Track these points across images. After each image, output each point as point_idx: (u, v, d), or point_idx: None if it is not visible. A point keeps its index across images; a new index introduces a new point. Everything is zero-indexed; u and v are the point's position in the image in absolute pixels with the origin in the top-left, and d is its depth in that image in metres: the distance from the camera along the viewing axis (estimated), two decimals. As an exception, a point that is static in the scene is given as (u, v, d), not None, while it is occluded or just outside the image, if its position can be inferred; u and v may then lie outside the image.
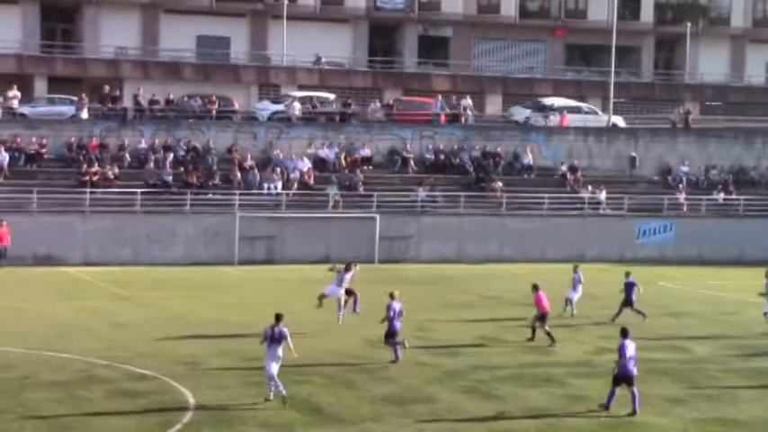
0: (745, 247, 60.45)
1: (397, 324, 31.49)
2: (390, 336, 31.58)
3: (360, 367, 30.78)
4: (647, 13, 79.90)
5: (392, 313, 31.45)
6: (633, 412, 26.43)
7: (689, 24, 78.28)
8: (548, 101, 68.34)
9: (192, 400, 26.39)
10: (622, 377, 26.55)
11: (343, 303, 36.60)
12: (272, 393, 26.18)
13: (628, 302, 39.00)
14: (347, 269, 36.84)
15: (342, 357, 31.94)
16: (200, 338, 34.25)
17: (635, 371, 26.69)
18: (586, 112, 68.66)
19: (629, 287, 39.10)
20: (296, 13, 72.19)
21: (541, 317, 34.99)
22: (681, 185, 63.81)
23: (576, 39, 79.67)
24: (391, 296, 31.99)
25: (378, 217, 55.84)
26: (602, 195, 61.13)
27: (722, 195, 63.39)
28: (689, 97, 76.86)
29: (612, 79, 69.55)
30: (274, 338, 26.12)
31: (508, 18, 77.46)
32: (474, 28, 77.42)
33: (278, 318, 26.41)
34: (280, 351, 26.17)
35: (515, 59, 79.48)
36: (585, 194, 61.28)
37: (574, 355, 33.31)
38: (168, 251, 53.23)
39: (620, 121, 68.92)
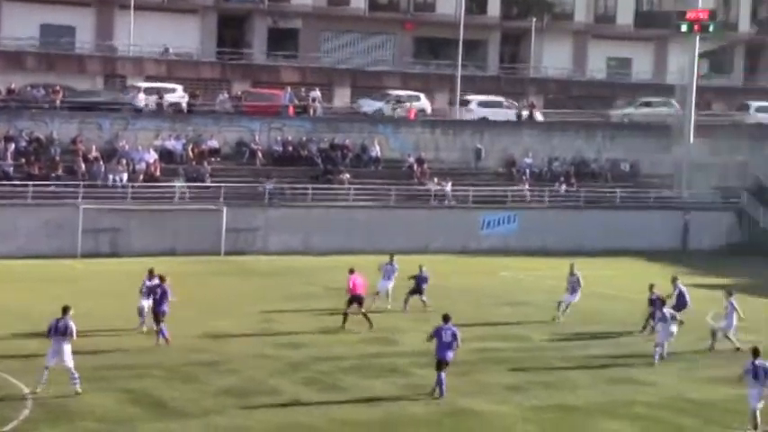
0: (584, 238, 61.93)
1: None
2: None
3: (201, 360, 30.65)
4: (494, 7, 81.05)
5: None
6: (441, 394, 27.14)
7: (534, 19, 79.71)
8: (470, 97, 69.68)
9: (29, 396, 25.96)
10: (440, 362, 27.33)
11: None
12: (39, 386, 25.98)
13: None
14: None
15: (183, 351, 31.75)
16: (38, 333, 33.61)
17: (450, 356, 27.40)
18: (505, 107, 70.66)
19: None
20: (143, 3, 71.19)
21: (352, 300, 35.53)
22: (524, 177, 65.03)
23: (424, 32, 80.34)
24: None
25: (225, 209, 55.52)
26: (448, 187, 61.94)
27: (564, 187, 64.81)
28: (533, 91, 78.28)
29: (459, 72, 70.49)
30: (59, 331, 26.01)
31: (357, 11, 77.72)
32: (323, 20, 77.45)
33: (65, 310, 26.33)
34: (65, 344, 26.02)
35: (364, 52, 79.77)
36: (432, 186, 61.99)
37: (417, 345, 33.67)
38: (8, 244, 52.01)
39: (538, 115, 71.00)
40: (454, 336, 27.64)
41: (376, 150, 63.85)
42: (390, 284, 40.10)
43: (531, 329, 37.32)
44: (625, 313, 40.86)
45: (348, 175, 60.80)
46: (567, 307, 39.11)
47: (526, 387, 28.95)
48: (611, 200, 64.73)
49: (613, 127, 71.45)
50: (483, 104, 70.28)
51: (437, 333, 27.69)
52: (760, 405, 25.13)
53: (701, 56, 73.63)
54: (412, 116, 67.58)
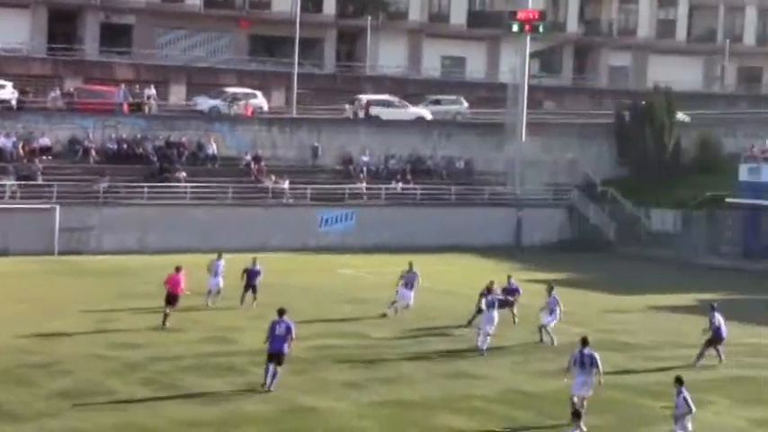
0: (421, 235, 62.73)
1: None
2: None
3: (34, 362, 30.04)
4: (330, 6, 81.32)
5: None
6: (268, 387, 27.56)
7: (369, 18, 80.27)
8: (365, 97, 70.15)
9: None
10: (273, 354, 27.81)
11: None
12: None
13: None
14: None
15: (15, 352, 31.06)
16: None
17: (285, 349, 27.78)
18: (397, 106, 71.28)
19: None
20: (-31, -3, 69.34)
21: (171, 299, 35.52)
22: (362, 175, 65.49)
23: (260, 30, 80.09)
24: None
25: (57, 208, 54.44)
26: (286, 185, 61.97)
27: (400, 185, 65.49)
28: (370, 89, 78.75)
29: (296, 70, 70.55)
30: None
31: (192, 7, 77.03)
32: (157, 16, 76.51)
33: None
34: None
35: (200, 49, 79.13)
36: (269, 184, 61.93)
37: (254, 344, 33.60)
38: None
39: (427, 114, 71.98)
40: (288, 329, 27.93)
41: (212, 148, 63.45)
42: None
43: (370, 326, 37.63)
44: (461, 309, 41.50)
45: (184, 174, 60.29)
46: (405, 305, 39.54)
47: (364, 383, 29.20)
48: (447, 197, 65.69)
49: (449, 125, 72.46)
50: (375, 103, 71.09)
51: (271, 327, 28.09)
52: (584, 393, 25.94)
53: (531, 55, 75.27)
54: (249, 114, 67.35)
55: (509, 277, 39.98)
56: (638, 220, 67.33)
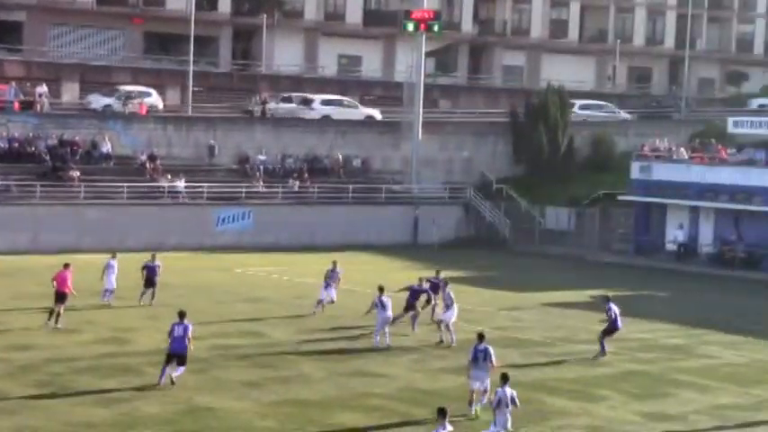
0: (316, 233, 62.78)
1: None
2: None
3: None
4: (225, 4, 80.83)
5: None
6: (160, 382, 27.98)
7: (264, 16, 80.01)
8: None
9: None
10: (173, 354, 28.04)
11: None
12: None
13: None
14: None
15: None
16: None
17: (183, 350, 28.01)
18: (347, 105, 72.13)
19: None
20: None
21: (59, 296, 35.22)
22: (258, 174, 65.25)
23: (154, 27, 79.30)
24: None
25: (-53, 208, 53.40)
26: (181, 184, 61.49)
27: (297, 183, 65.42)
28: (266, 87, 78.52)
29: (191, 68, 70.03)
30: None
31: (85, 4, 75.94)
32: (49, 13, 75.27)
33: None
34: None
35: (93, 46, 78.08)
36: (165, 183, 61.39)
37: (151, 344, 33.38)
38: None
39: (376, 113, 72.77)
40: (185, 330, 28.02)
41: (107, 147, 62.72)
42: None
43: (268, 325, 37.56)
44: (360, 307, 41.66)
45: (78, 173, 59.49)
46: (330, 301, 40.08)
47: (263, 383, 29.14)
48: (344, 196, 65.78)
49: (345, 123, 72.54)
50: (326, 103, 71.88)
51: (171, 329, 28.25)
52: (479, 385, 26.51)
53: (427, 55, 75.75)
54: (143, 112, 66.67)
55: (437, 272, 40.31)
56: (533, 218, 68.17)
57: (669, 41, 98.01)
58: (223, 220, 61.97)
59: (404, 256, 58.92)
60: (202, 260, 55.51)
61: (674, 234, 62.74)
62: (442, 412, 20.81)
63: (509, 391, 23.54)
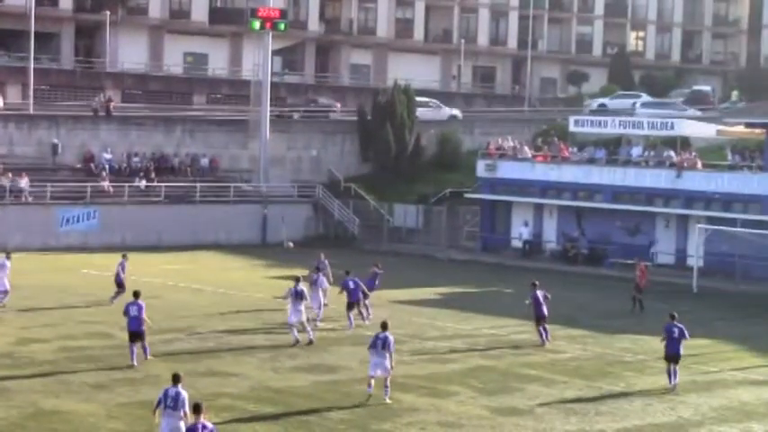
0: (163, 232, 62.10)
1: None
2: None
3: None
4: (67, -1, 79.53)
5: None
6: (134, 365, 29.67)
7: (108, 13, 78.77)
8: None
9: None
10: (132, 333, 30.77)
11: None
12: None
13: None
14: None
15: None
16: None
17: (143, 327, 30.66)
18: (432, 106, 76.74)
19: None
20: None
21: None
22: (104, 173, 64.20)
23: (-6, 23, 77.55)
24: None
25: None
26: (24, 183, 60.11)
27: (144, 182, 64.59)
28: (110, 85, 77.41)
29: (32, 65, 68.51)
30: None
31: None
32: None
33: None
34: None
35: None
36: (6, 182, 59.93)
37: (-5, 347, 32.70)
38: None
39: (458, 113, 76.84)
40: (140, 309, 30.92)
41: (-55, 146, 60.98)
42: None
43: (116, 327, 36.93)
44: (209, 306, 41.45)
45: None
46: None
47: (111, 384, 28.71)
48: (192, 195, 65.20)
49: (192, 122, 71.94)
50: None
51: (126, 309, 31.13)
52: (380, 372, 27.50)
53: (274, 53, 75.64)
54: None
55: (376, 264, 41.21)
56: (382, 216, 68.64)
57: (512, 42, 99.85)
58: (68, 220, 60.80)
59: (252, 255, 58.69)
60: (47, 261, 54.37)
61: (520, 231, 63.96)
62: (197, 408, 20.18)
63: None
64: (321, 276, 39.42)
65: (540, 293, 36.38)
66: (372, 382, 27.68)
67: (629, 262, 51.78)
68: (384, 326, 28.16)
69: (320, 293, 38.86)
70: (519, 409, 27.99)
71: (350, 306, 38.64)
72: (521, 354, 35.18)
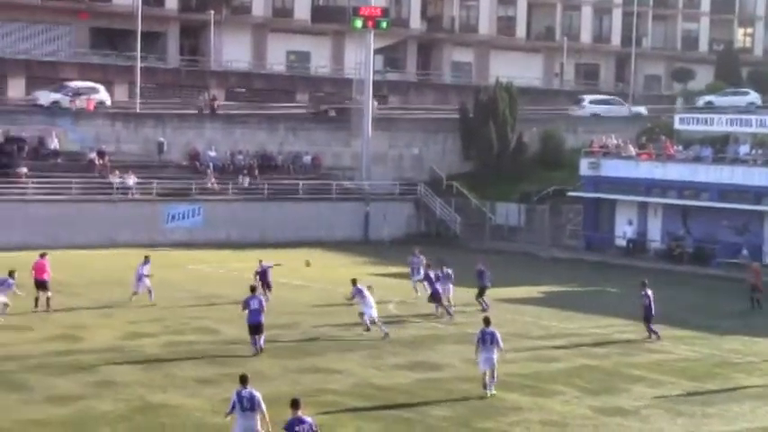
0: (266, 229, 62.59)
1: None
2: None
3: None
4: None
5: None
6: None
7: (212, 12, 79.65)
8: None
9: None
10: (252, 325, 32.26)
11: None
12: None
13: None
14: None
15: None
16: None
17: (263, 319, 32.27)
18: (614, 103, 78.86)
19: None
20: None
21: (38, 284, 37.26)
22: (208, 170, 64.94)
23: (101, 22, 78.77)
24: None
25: None
26: (131, 180, 61.06)
27: (248, 180, 65.18)
28: (214, 84, 78.28)
29: (139, 64, 69.57)
30: None
31: (31, -1, 75.31)
32: (-6, 8, 74.54)
33: None
34: None
35: (39, 42, 77.36)
36: (114, 179, 60.93)
37: (104, 342, 33.19)
38: None
39: (642, 110, 79.65)
40: (261, 303, 32.53)
41: (54, 143, 62.19)
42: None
43: (222, 322, 37.37)
44: (311, 303, 41.67)
45: (26, 169, 58.91)
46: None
47: (217, 379, 28.99)
48: (294, 192, 65.61)
49: (295, 120, 72.41)
50: (595, 102, 78.59)
51: (246, 302, 32.42)
52: (488, 366, 27.94)
53: (376, 51, 75.75)
54: (91, 108, 66.16)
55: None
56: (484, 215, 68.35)
57: (616, 39, 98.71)
58: (173, 216, 61.61)
59: (355, 252, 58.87)
60: (154, 257, 54.94)
61: (624, 230, 63.18)
62: (295, 404, 20.30)
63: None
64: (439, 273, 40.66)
65: (649, 292, 36.80)
66: (487, 379, 28.06)
67: (736, 262, 50.91)
68: (487, 321, 28.51)
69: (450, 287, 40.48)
70: (624, 409, 27.64)
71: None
72: (626, 353, 34.73)
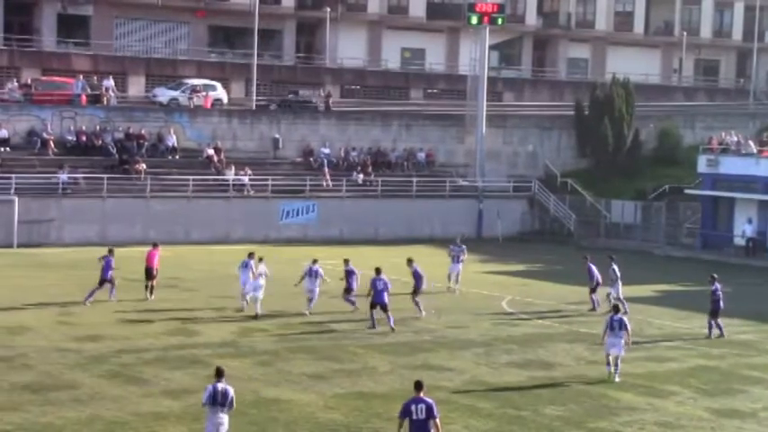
0: (380, 226, 62.75)
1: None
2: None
3: (-4, 355, 29.82)
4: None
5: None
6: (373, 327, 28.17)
7: (328, 10, 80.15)
8: None
9: None
10: (376, 303, 35.36)
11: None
12: None
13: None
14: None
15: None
16: None
17: (386, 298, 34.54)
18: None
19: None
20: None
21: (148, 272, 39.20)
22: (323, 167, 65.36)
23: (218, 20, 79.80)
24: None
25: (16, 200, 54.04)
26: (247, 177, 61.76)
27: (361, 176, 65.45)
28: (329, 80, 78.71)
29: (255, 62, 70.32)
30: None
31: (150, -2, 76.59)
32: (115, 7, 75.96)
33: None
34: None
35: (158, 40, 78.66)
36: (230, 176, 61.70)
37: (218, 336, 33.62)
38: None
39: None
40: (386, 284, 35.27)
41: (172, 140, 63.20)
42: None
43: (335, 318, 37.57)
44: (423, 299, 41.64)
45: (144, 166, 60.00)
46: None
47: (329, 375, 29.15)
48: (408, 189, 65.71)
49: (409, 117, 72.52)
50: None
51: (373, 283, 35.45)
52: (615, 351, 29.53)
53: (491, 48, 75.46)
54: (208, 105, 67.07)
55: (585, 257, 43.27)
56: (599, 212, 67.65)
57: (737, 34, 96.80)
58: (288, 213, 62.16)
59: (468, 249, 58.63)
60: (269, 252, 55.45)
61: (743, 228, 61.97)
62: (418, 385, 20.16)
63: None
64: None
65: (719, 287, 37.03)
66: (610, 359, 29.49)
67: None
68: (616, 308, 30.58)
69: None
70: (741, 411, 27.10)
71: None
72: (743, 354, 34.08)
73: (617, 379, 29.30)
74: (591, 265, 41.01)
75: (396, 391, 27.68)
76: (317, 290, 38.17)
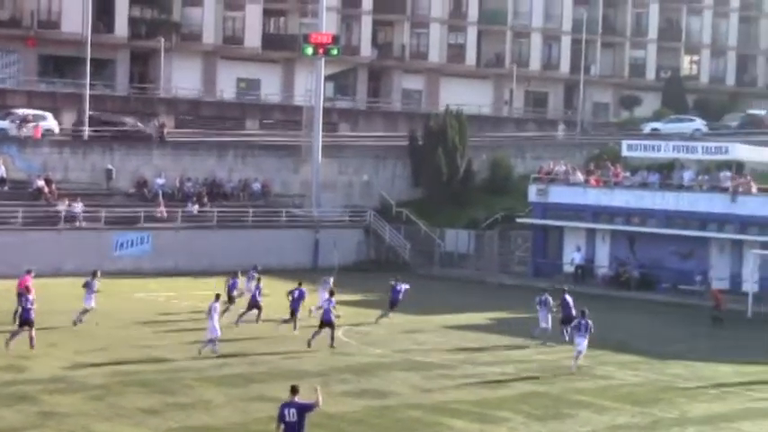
0: (218, 257, 62.29)
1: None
2: None
3: None
4: (122, 26, 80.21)
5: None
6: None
7: (162, 39, 79.55)
8: None
9: None
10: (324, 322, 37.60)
11: None
12: None
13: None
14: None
15: None
16: None
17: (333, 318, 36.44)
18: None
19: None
20: None
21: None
22: (157, 198, 64.62)
23: (50, 50, 78.47)
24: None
25: None
26: (79, 208, 60.64)
27: (197, 207, 64.93)
28: (164, 111, 78.01)
29: (88, 91, 69.23)
30: None
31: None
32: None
33: None
34: None
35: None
36: (62, 207, 60.49)
37: (49, 372, 32.89)
38: None
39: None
40: (329, 302, 37.79)
41: (1, 171, 61.68)
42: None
43: (169, 350, 37.18)
44: (260, 331, 41.55)
45: (-30, 197, 58.39)
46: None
47: (162, 409, 28.81)
48: (244, 219, 65.46)
49: (245, 147, 72.30)
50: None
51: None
52: (582, 348, 35.46)
53: (326, 78, 75.91)
54: (38, 135, 65.70)
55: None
56: (433, 241, 68.53)
57: (565, 66, 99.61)
58: (121, 244, 61.22)
59: (304, 279, 58.63)
60: (102, 285, 54.56)
61: (572, 256, 63.59)
62: (293, 389, 21.91)
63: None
64: (548, 297, 42.49)
65: (569, 297, 41.81)
66: (575, 354, 35.63)
67: (689, 288, 52.86)
68: (584, 313, 35.93)
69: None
70: (570, 435, 27.80)
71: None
72: (572, 379, 34.96)
73: (574, 370, 35.30)
74: (566, 296, 42.39)
75: (231, 425, 27.56)
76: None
